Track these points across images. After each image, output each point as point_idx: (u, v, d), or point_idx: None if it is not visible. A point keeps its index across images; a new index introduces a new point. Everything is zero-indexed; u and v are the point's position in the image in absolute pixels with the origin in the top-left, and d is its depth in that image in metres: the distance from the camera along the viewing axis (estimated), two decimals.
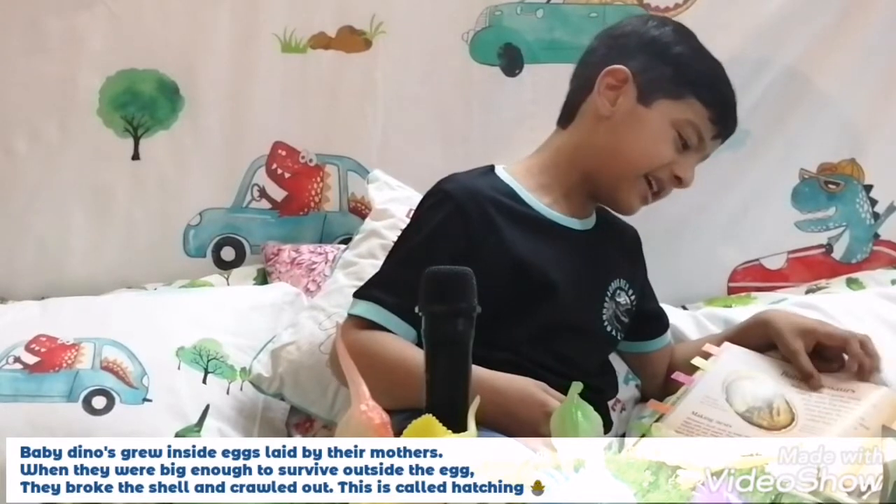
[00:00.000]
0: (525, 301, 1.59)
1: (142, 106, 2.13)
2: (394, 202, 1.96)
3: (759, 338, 1.71)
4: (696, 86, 1.68)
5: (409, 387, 1.28)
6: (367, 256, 1.89)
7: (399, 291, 1.56)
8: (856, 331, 1.69)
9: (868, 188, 2.14)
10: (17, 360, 1.78)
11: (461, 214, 1.61)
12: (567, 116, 1.74)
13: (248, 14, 2.13)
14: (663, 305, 1.90)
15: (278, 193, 2.16)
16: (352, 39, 2.14)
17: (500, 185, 1.67)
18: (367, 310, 1.58)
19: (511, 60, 2.13)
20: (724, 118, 1.71)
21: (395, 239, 1.73)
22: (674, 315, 1.94)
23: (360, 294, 1.62)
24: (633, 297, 1.74)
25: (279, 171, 2.16)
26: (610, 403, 1.76)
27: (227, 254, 2.17)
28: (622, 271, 1.74)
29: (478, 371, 1.25)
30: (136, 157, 2.15)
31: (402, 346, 1.54)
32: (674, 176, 1.69)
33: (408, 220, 1.83)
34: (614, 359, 1.82)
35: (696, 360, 1.62)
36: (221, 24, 2.13)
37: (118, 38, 2.13)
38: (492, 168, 1.71)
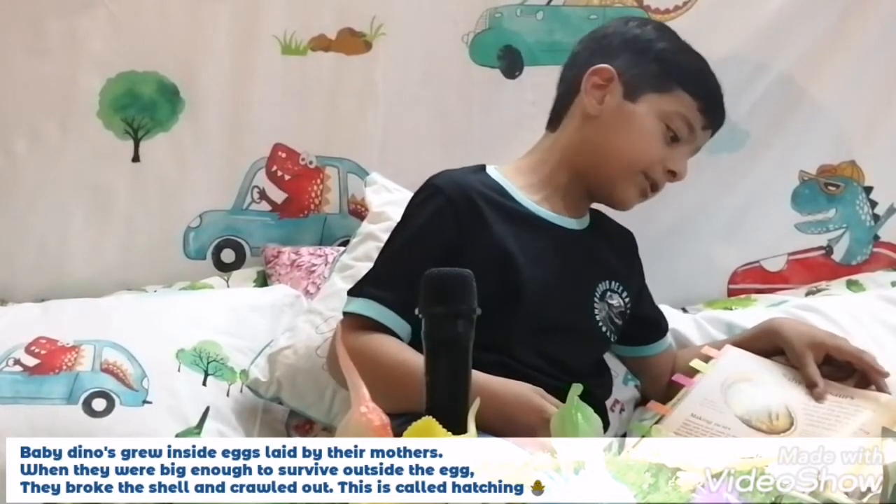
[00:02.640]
0: (508, 298, 1.59)
1: (142, 108, 2.14)
2: (391, 205, 1.96)
3: (768, 345, 1.70)
4: (683, 78, 1.69)
5: (408, 389, 1.28)
6: (363, 259, 1.89)
7: (393, 286, 1.57)
8: (862, 347, 1.68)
9: (868, 190, 2.14)
10: (17, 362, 1.78)
11: (451, 208, 1.61)
12: (555, 120, 1.75)
13: (248, 16, 2.13)
14: (663, 307, 1.90)
15: (278, 195, 2.16)
16: (352, 41, 2.14)
17: (489, 182, 1.68)
18: (363, 306, 1.59)
19: (511, 62, 2.13)
20: (713, 108, 1.72)
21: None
22: (676, 319, 1.94)
23: (354, 291, 1.63)
24: (627, 300, 1.74)
25: (279, 174, 2.16)
26: (609, 404, 1.76)
27: (227, 256, 2.17)
28: (614, 274, 1.73)
29: (475, 375, 1.25)
30: (136, 158, 2.15)
31: (400, 348, 1.54)
32: (667, 170, 1.70)
33: None
34: (612, 360, 1.82)
35: (695, 363, 1.62)
36: (221, 26, 2.13)
37: (118, 40, 2.13)
38: (483, 167, 1.72)
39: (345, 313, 1.62)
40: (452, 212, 1.61)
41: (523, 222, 1.65)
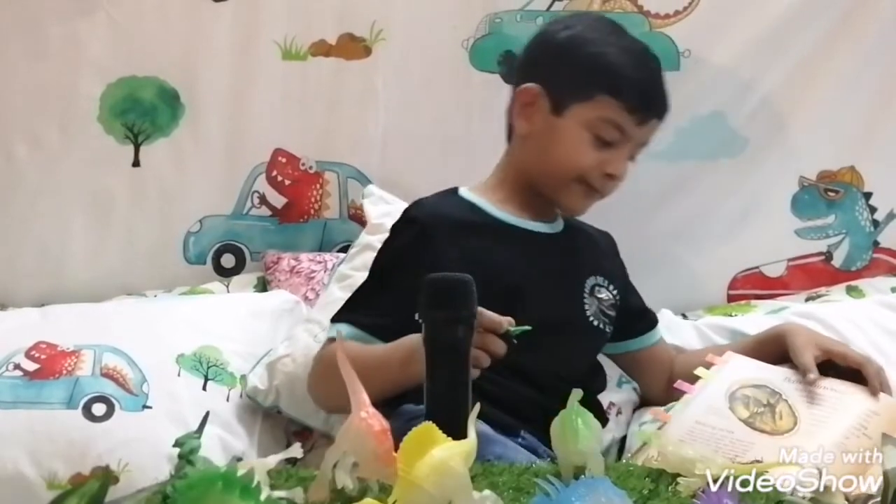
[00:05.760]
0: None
1: (142, 113, 2.14)
2: (388, 217, 1.96)
3: (776, 349, 1.70)
4: (602, 82, 1.68)
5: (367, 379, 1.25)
6: (361, 269, 1.89)
7: (371, 312, 1.62)
8: (872, 358, 1.68)
9: (867, 196, 2.14)
10: (18, 366, 1.78)
11: (425, 235, 1.65)
12: (509, 135, 1.79)
13: (248, 21, 2.13)
14: (664, 312, 1.90)
15: (278, 200, 2.16)
16: (352, 46, 2.14)
17: (462, 203, 1.72)
18: (340, 329, 1.62)
19: (511, 68, 2.13)
20: (643, 103, 1.70)
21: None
22: (677, 326, 1.94)
23: (336, 318, 1.66)
24: (615, 293, 1.76)
25: (279, 178, 2.16)
26: (605, 406, 1.77)
27: (228, 261, 2.17)
28: (599, 269, 1.76)
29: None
30: (136, 163, 2.15)
31: (358, 346, 1.57)
32: (605, 174, 1.70)
33: None
34: (608, 363, 1.82)
35: (699, 371, 1.62)
36: (222, 31, 2.14)
37: (119, 45, 2.13)
38: (455, 190, 1.76)
39: (328, 339, 1.66)
40: (427, 239, 1.65)
41: (498, 234, 1.69)
